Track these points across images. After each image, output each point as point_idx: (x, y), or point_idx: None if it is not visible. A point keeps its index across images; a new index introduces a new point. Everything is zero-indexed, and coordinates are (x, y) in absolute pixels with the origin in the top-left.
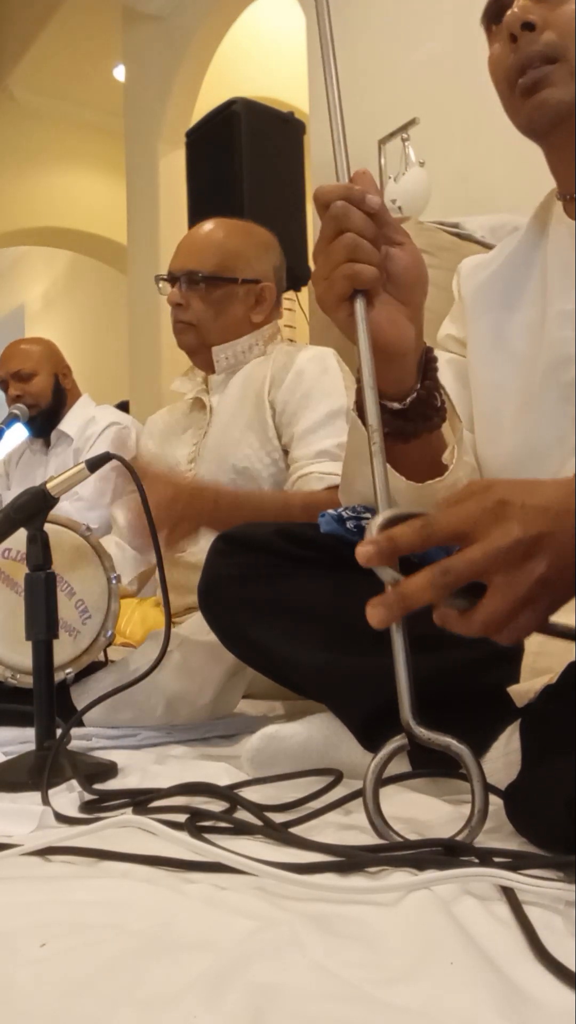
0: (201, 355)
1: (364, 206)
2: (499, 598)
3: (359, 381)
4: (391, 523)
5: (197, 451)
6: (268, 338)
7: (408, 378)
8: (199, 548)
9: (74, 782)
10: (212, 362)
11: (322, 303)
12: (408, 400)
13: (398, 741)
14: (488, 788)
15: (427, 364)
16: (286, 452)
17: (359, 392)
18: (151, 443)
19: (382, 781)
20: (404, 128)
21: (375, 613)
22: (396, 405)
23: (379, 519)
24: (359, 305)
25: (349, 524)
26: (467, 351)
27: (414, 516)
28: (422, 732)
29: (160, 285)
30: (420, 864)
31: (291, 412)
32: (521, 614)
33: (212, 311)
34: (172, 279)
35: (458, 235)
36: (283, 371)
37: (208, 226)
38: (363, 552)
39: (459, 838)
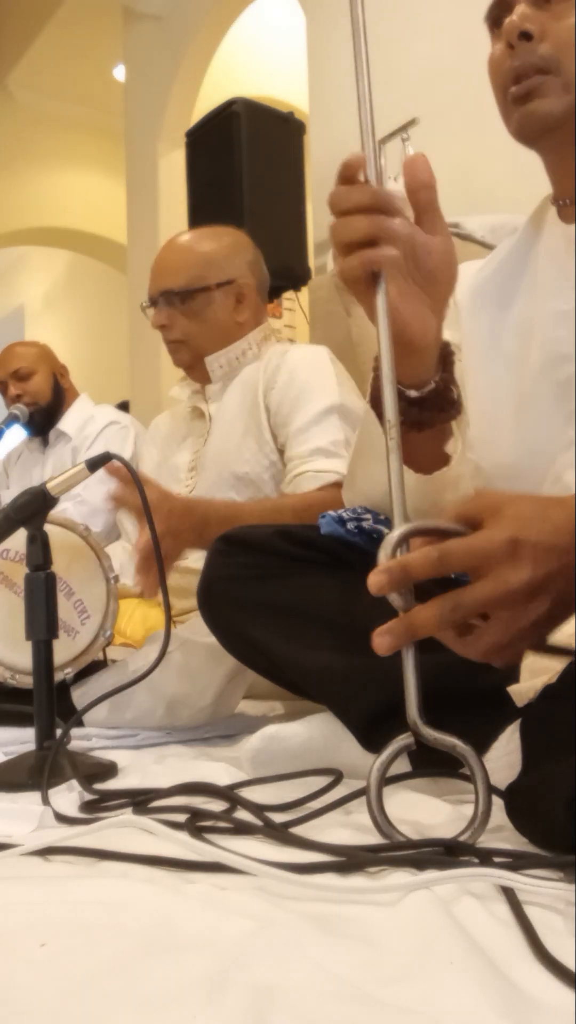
0: (198, 368)
1: (354, 171)
2: (501, 631)
3: (376, 370)
4: (404, 539)
5: (198, 459)
6: (261, 340)
7: (427, 371)
8: (198, 554)
9: (74, 782)
10: (207, 377)
11: (346, 283)
12: (426, 389)
13: (403, 740)
14: (490, 788)
15: (445, 358)
16: (282, 452)
17: (374, 385)
18: (153, 449)
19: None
20: (404, 128)
21: (382, 641)
22: (413, 392)
23: (392, 539)
24: (380, 298)
25: (349, 525)
26: (463, 354)
27: (426, 531)
28: (428, 732)
29: (145, 312)
30: (420, 864)
31: (285, 413)
32: (518, 644)
33: (196, 323)
34: (153, 303)
35: (458, 235)
36: (276, 372)
37: (174, 241)
38: (376, 582)
39: (462, 838)
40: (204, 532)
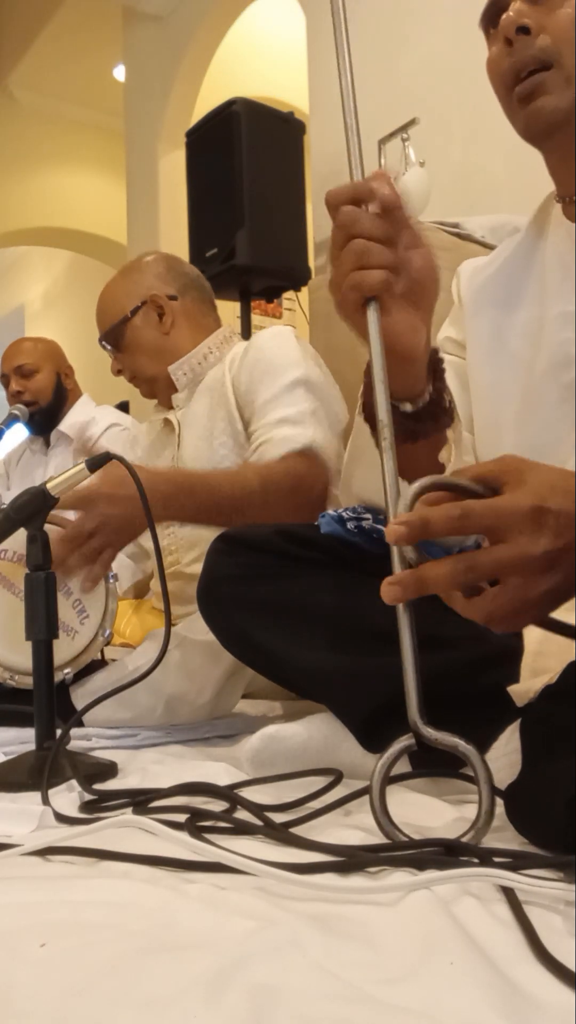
0: (161, 393)
1: (375, 200)
2: (511, 597)
3: (367, 384)
4: (423, 492)
5: (174, 465)
6: (221, 342)
7: (419, 381)
8: (192, 559)
9: (74, 782)
10: (171, 388)
11: (339, 311)
12: (420, 402)
13: (405, 741)
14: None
15: (435, 365)
16: (247, 427)
17: (365, 395)
18: (137, 453)
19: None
20: (404, 128)
21: (390, 591)
22: (408, 407)
23: (414, 488)
24: (371, 311)
25: (349, 525)
26: (466, 353)
27: (446, 485)
28: (429, 732)
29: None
30: (420, 864)
31: (253, 389)
32: (525, 613)
33: (132, 355)
34: (106, 350)
35: (458, 235)
36: (243, 355)
37: (101, 293)
38: (394, 531)
39: (465, 838)
40: (158, 501)
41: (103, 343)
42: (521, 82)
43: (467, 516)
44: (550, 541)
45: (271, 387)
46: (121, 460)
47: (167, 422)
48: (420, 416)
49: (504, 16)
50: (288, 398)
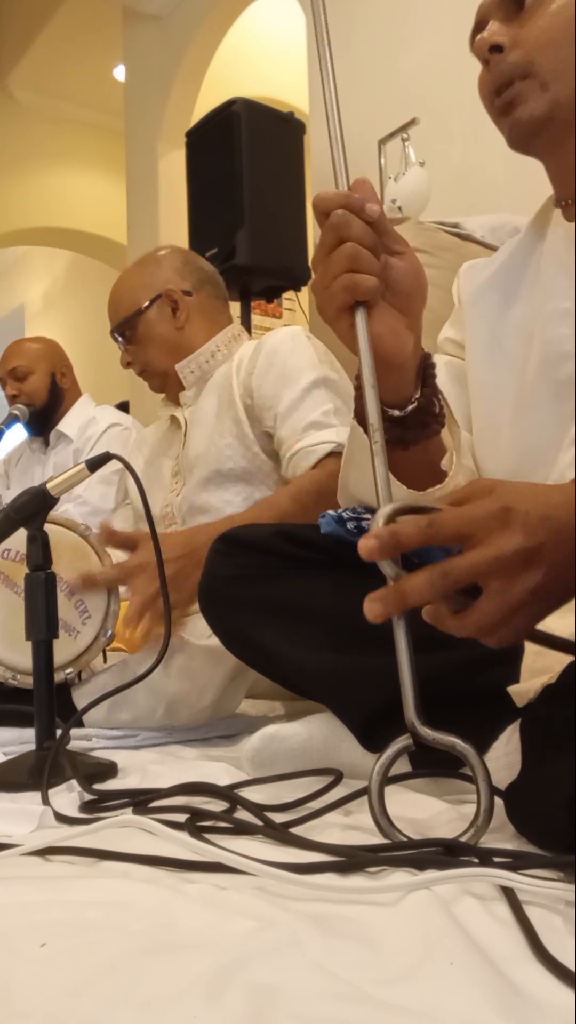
0: (169, 387)
1: (364, 215)
2: (494, 603)
3: (358, 388)
4: (395, 516)
5: (179, 464)
6: (229, 340)
7: (407, 386)
8: None
9: (74, 782)
10: (179, 386)
11: (322, 313)
12: (408, 408)
13: (403, 741)
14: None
15: (425, 371)
16: (269, 435)
17: (358, 398)
18: (139, 458)
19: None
20: (404, 128)
21: (372, 607)
22: (396, 412)
23: (384, 511)
24: (359, 316)
25: (349, 525)
26: (465, 353)
27: (418, 509)
28: (426, 732)
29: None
30: (420, 864)
31: (270, 395)
32: (514, 619)
33: (144, 348)
34: (117, 341)
35: (458, 235)
36: (254, 358)
37: (115, 283)
38: (365, 546)
39: (464, 838)
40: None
41: (114, 335)
42: (499, 97)
43: (435, 524)
44: (522, 539)
45: (291, 392)
46: (121, 460)
47: (173, 419)
48: (408, 422)
49: (478, 38)
50: (309, 401)
